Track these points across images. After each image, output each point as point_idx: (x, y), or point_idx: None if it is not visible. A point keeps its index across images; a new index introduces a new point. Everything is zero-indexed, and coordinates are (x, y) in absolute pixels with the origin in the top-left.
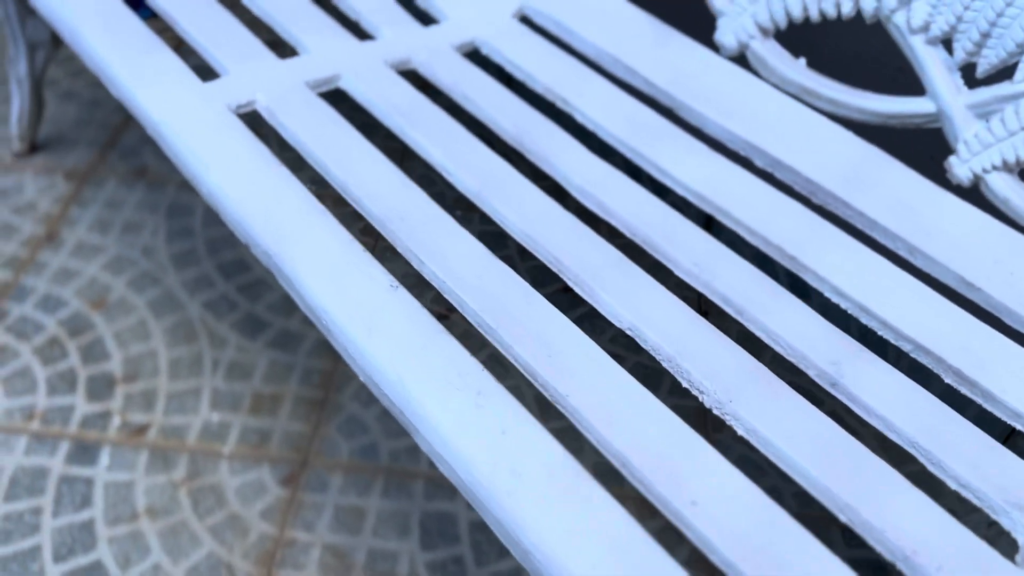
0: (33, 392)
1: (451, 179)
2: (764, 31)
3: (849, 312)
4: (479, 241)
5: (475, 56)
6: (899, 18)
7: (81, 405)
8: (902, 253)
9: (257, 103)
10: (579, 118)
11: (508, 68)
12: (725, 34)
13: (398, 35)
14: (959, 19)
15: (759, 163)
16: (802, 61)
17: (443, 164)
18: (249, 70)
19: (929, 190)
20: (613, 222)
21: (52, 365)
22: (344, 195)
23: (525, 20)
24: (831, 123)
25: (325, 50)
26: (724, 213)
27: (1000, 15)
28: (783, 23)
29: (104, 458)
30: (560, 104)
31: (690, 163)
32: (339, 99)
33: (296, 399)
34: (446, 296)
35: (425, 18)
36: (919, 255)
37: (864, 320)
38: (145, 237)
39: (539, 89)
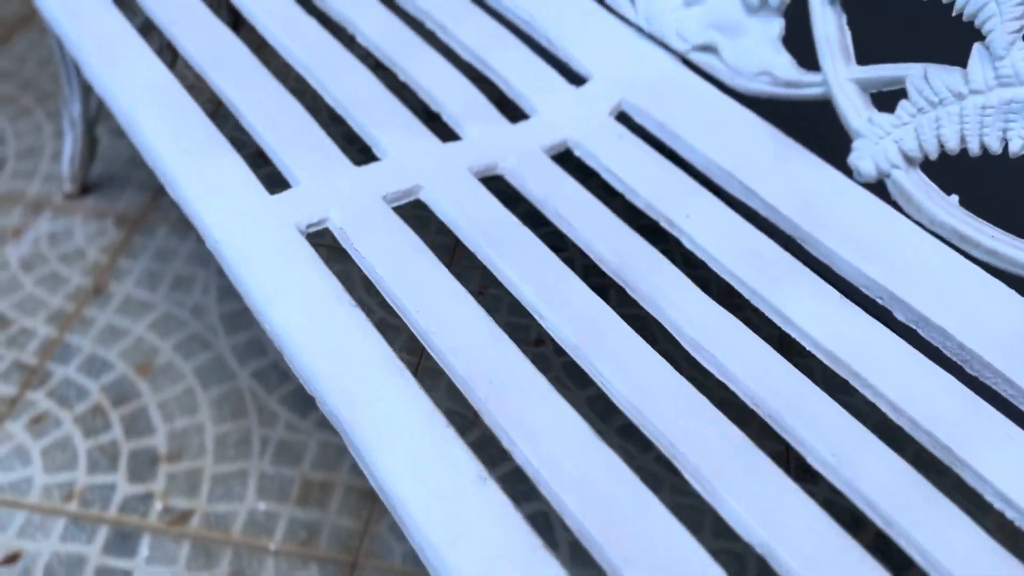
0: (73, 467)
1: (544, 324)
2: (910, 160)
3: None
4: (580, 415)
5: (568, 156)
6: None
7: (122, 485)
8: None
9: (330, 221)
10: (687, 243)
11: (604, 175)
12: (862, 158)
13: (484, 134)
14: None
15: (900, 317)
16: (954, 199)
17: (535, 305)
18: (322, 180)
19: None
20: (733, 387)
21: (94, 437)
22: (424, 344)
23: (624, 119)
24: (991, 278)
25: (404, 154)
26: (861, 380)
27: None
28: (934, 153)
29: (144, 548)
30: (664, 224)
31: (818, 312)
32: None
33: (347, 489)
34: (541, 490)
35: (514, 110)
36: None
37: None
38: (196, 294)
39: (640, 204)
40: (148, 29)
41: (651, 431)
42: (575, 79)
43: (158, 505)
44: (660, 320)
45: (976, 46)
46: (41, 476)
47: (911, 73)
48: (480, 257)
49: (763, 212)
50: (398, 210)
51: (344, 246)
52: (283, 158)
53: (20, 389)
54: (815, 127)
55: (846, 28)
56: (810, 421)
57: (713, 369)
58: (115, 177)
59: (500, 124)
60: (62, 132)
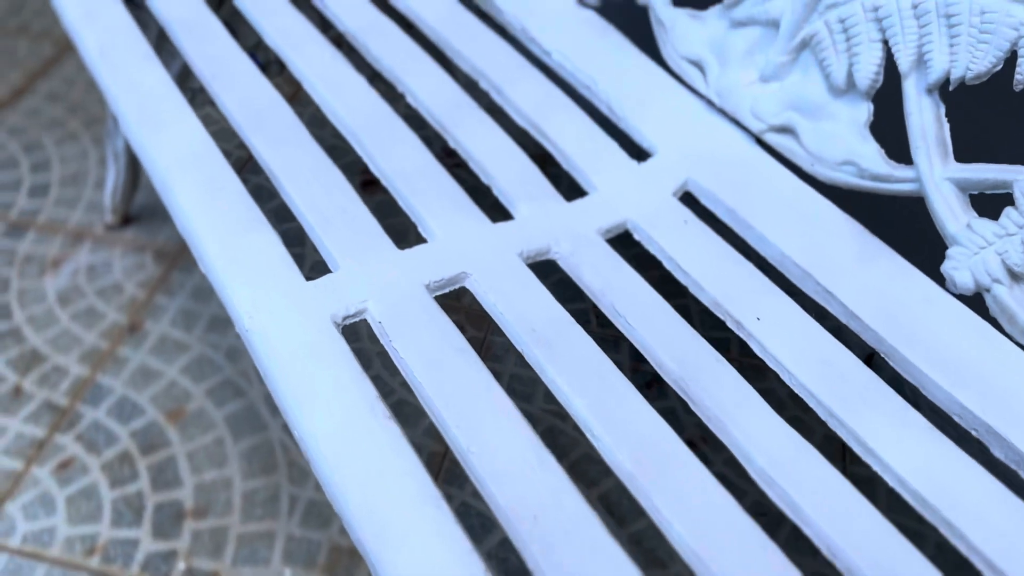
0: (97, 519)
1: (598, 446)
2: (1015, 276)
3: None
4: (633, 564)
5: (627, 239)
6: None
7: (146, 541)
8: None
9: (367, 313)
10: (756, 349)
11: (667, 265)
12: (959, 268)
13: (536, 213)
14: None
15: (999, 454)
16: None
17: (587, 423)
18: (362, 265)
19: None
20: (813, 538)
21: (120, 487)
22: (462, 465)
23: (689, 200)
24: None
25: (451, 237)
26: (955, 532)
27: None
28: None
29: None
30: (731, 325)
31: (904, 442)
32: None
33: None
34: None
35: (570, 185)
36: None
37: None
38: (231, 337)
39: (704, 300)
40: (185, 75)
41: None
42: (638, 153)
43: (181, 565)
44: (725, 441)
45: None
46: (64, 527)
47: (1020, 179)
48: (527, 358)
49: (843, 319)
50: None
51: (382, 342)
52: (323, 239)
53: (49, 431)
54: (904, 226)
55: (945, 120)
56: None
57: (786, 509)
58: (157, 209)
59: (554, 202)
60: (106, 161)
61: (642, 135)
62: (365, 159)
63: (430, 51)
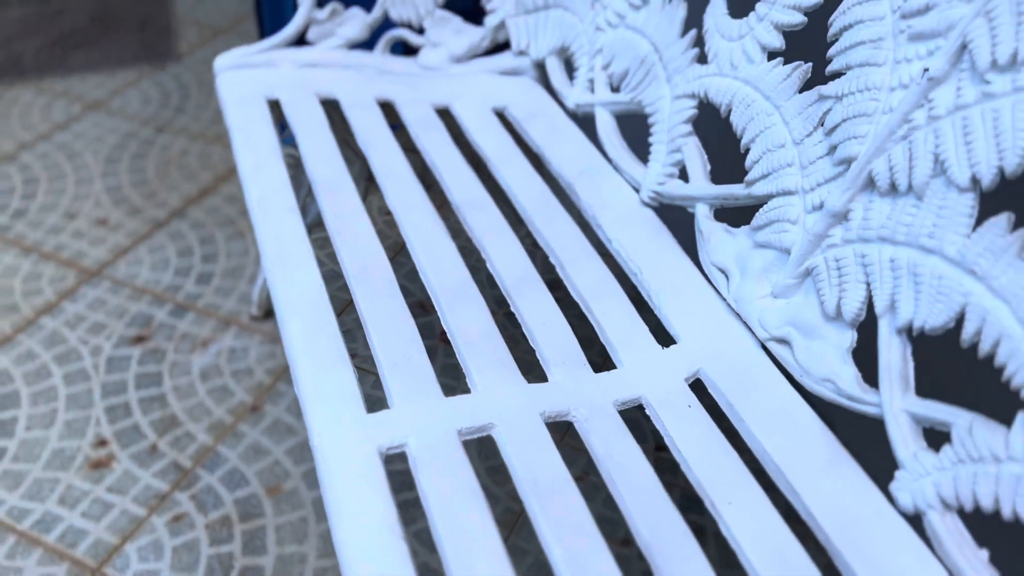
0: (194, 570)
1: None
2: (946, 505)
3: None
4: None
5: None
6: None
7: None
8: None
9: (408, 447)
10: (723, 530)
11: (667, 441)
12: (901, 490)
13: (566, 379)
14: None
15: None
16: (984, 555)
17: (560, 572)
18: (411, 405)
19: None
20: None
21: (217, 546)
22: None
23: (698, 386)
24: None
25: (488, 391)
26: None
27: None
28: (968, 506)
29: None
30: (708, 504)
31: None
32: None
33: None
34: None
35: (605, 358)
36: None
37: None
38: None
39: (691, 479)
40: (319, 222)
41: None
42: (665, 339)
43: None
44: None
45: (1020, 416)
46: (167, 572)
47: (958, 422)
48: (526, 506)
49: (804, 517)
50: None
51: (414, 476)
52: (386, 378)
53: (171, 488)
54: (875, 438)
55: (910, 358)
56: None
57: None
58: None
59: (584, 371)
60: (260, 261)
61: (670, 324)
62: (440, 316)
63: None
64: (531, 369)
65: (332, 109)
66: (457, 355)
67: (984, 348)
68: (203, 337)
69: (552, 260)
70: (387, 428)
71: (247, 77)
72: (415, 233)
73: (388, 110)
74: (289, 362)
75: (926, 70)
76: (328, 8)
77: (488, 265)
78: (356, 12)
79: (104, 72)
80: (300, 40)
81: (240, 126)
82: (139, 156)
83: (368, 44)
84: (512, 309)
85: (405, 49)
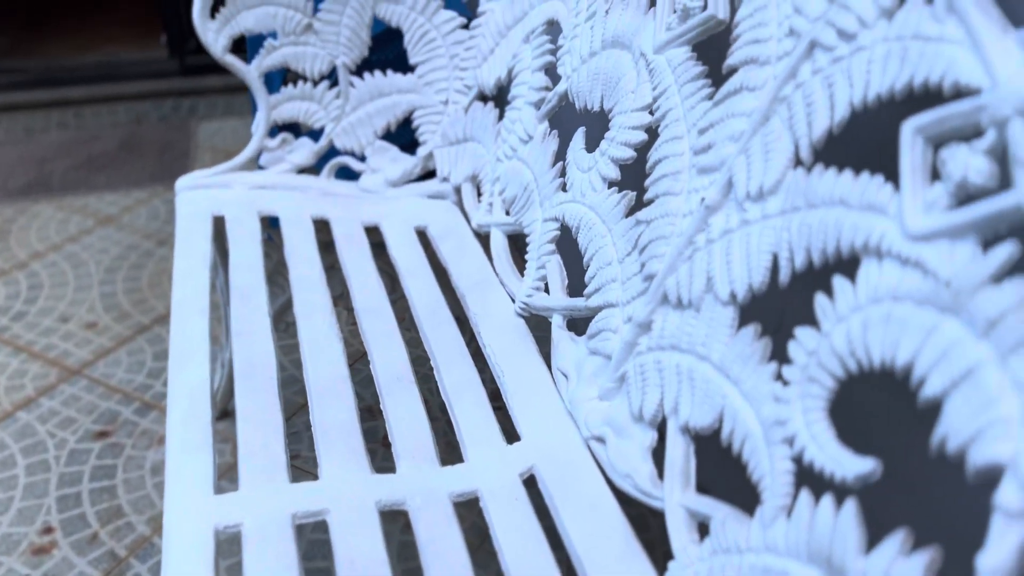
0: None
1: None
2: None
3: None
4: None
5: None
6: None
7: None
8: None
9: (243, 526)
10: None
11: (490, 531)
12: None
13: (411, 471)
14: None
15: None
16: None
17: None
18: (258, 489)
19: None
20: None
21: None
22: None
23: (531, 482)
24: None
25: (333, 479)
26: None
27: None
28: None
29: None
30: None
31: None
32: None
33: None
34: None
35: (457, 455)
36: None
37: None
38: None
39: (503, 567)
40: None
41: None
42: (515, 437)
43: None
44: None
45: (758, 510)
46: None
47: (716, 515)
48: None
49: None
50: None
51: (244, 551)
52: (241, 464)
53: None
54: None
55: (692, 456)
56: None
57: None
58: None
59: (430, 465)
60: (216, 364)
61: (518, 422)
62: (310, 410)
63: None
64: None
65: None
66: (315, 446)
67: (736, 447)
68: (161, 434)
69: (432, 362)
70: (228, 509)
71: (202, 196)
72: (308, 334)
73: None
74: (167, 452)
75: (703, 199)
76: (279, 137)
77: (371, 365)
78: (305, 141)
79: (121, 191)
80: (256, 164)
81: (183, 237)
82: (137, 266)
83: (316, 168)
84: (381, 407)
85: (348, 173)
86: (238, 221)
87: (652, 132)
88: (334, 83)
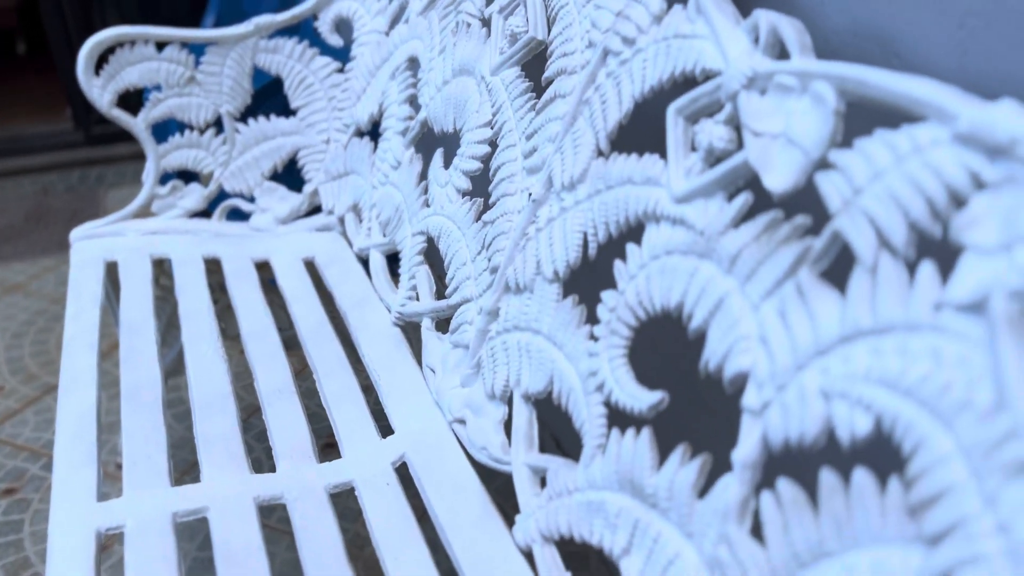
0: None
1: None
2: (545, 538)
3: None
4: None
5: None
6: (627, 567)
7: None
8: None
9: (125, 527)
10: None
11: (363, 514)
12: (517, 531)
13: (290, 469)
14: None
15: None
16: None
17: None
18: (141, 493)
19: None
20: None
21: None
22: None
23: (403, 469)
24: None
25: (213, 480)
26: None
27: None
28: (556, 536)
29: None
30: (380, 562)
31: None
32: None
33: None
34: None
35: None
36: None
37: None
38: None
39: (373, 542)
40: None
41: None
42: (388, 432)
43: None
44: None
45: (583, 453)
46: None
47: (551, 467)
48: (217, 570)
49: (451, 557)
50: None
51: (126, 549)
52: (125, 474)
53: None
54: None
55: (535, 421)
56: None
57: None
58: None
59: (308, 462)
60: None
61: (392, 418)
62: (193, 423)
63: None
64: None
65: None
66: (198, 453)
67: (563, 403)
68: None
69: (314, 375)
70: (111, 513)
71: (96, 244)
72: (194, 359)
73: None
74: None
75: (531, 195)
76: (169, 185)
77: (255, 382)
78: (195, 187)
79: (28, 260)
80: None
81: (75, 283)
82: (44, 330)
83: (207, 212)
84: (263, 415)
85: (240, 215)
86: (129, 264)
87: (494, 144)
88: (221, 130)
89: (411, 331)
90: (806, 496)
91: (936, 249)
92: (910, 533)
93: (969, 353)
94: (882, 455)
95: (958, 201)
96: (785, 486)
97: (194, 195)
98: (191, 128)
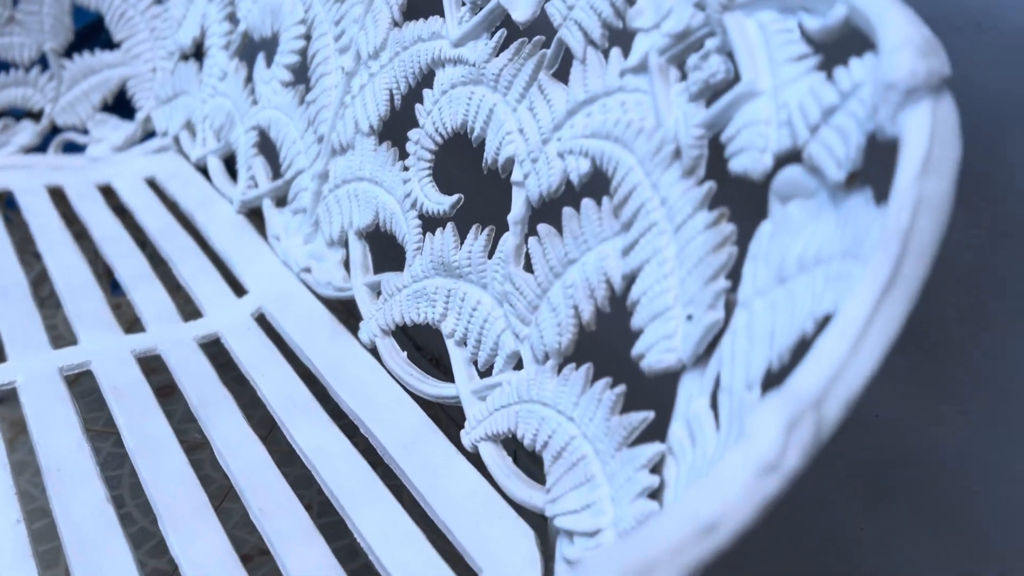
0: None
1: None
2: (384, 331)
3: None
4: None
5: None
6: (444, 327)
7: None
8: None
9: (17, 384)
10: (262, 395)
11: (232, 356)
12: (362, 331)
13: (159, 328)
14: (467, 329)
15: (363, 431)
16: (404, 354)
17: (133, 453)
18: (22, 358)
19: (453, 455)
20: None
21: None
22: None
23: (263, 320)
24: (412, 402)
25: (92, 341)
26: (324, 484)
27: (484, 324)
28: (391, 325)
29: None
30: (248, 379)
31: (310, 431)
32: None
33: None
34: None
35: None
36: (430, 508)
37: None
38: None
39: (241, 369)
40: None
41: None
42: (242, 293)
43: None
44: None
45: (409, 250)
46: None
47: (384, 279)
48: (111, 409)
49: (312, 370)
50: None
51: (22, 403)
52: (7, 339)
53: None
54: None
55: (368, 254)
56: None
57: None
58: None
59: (176, 322)
60: None
61: (244, 282)
62: (61, 299)
63: None
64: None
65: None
66: (69, 321)
67: (387, 228)
68: None
69: (170, 263)
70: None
71: None
72: (54, 261)
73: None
74: None
75: (344, 69)
76: (0, 123)
77: (115, 273)
78: (26, 124)
79: None
80: None
81: None
82: None
83: (42, 148)
84: (129, 298)
85: (75, 148)
86: None
87: (308, 37)
88: (47, 68)
89: (254, 218)
90: (555, 229)
91: (621, 37)
92: (616, 227)
93: (641, 99)
94: (599, 186)
95: (631, 1)
96: (542, 227)
97: (27, 131)
98: (16, 67)
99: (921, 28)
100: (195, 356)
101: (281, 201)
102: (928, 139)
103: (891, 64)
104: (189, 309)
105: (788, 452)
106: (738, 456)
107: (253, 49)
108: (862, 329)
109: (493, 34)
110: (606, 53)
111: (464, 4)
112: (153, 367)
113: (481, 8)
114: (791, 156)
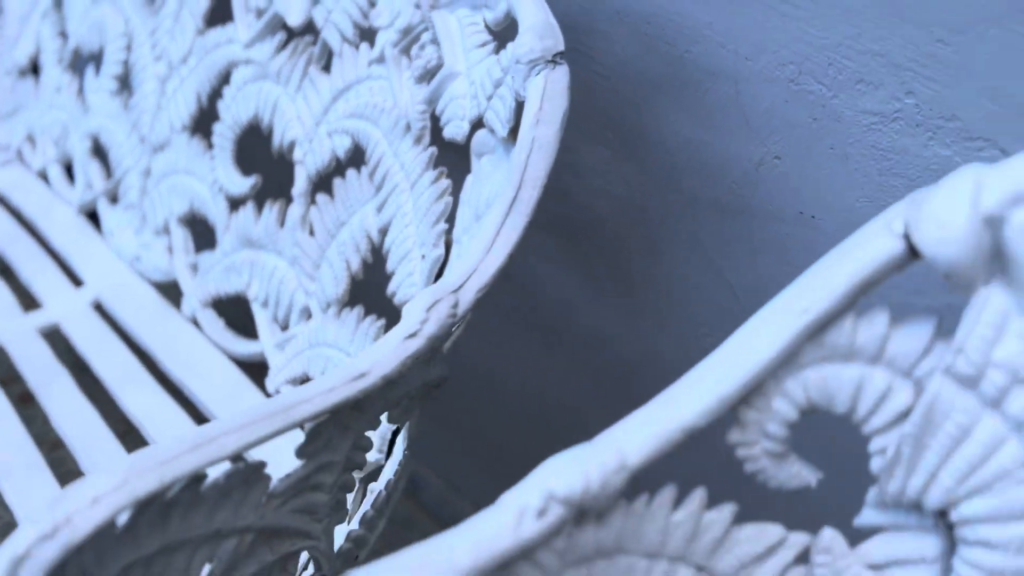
0: None
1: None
2: (204, 304)
3: None
4: None
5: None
6: (250, 293)
7: None
8: None
9: None
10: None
11: (72, 343)
12: (185, 307)
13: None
14: (267, 292)
15: (186, 394)
16: (222, 323)
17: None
18: None
19: None
20: None
21: None
22: None
23: (100, 308)
24: (231, 364)
25: None
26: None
27: (280, 285)
28: (210, 299)
29: None
30: (86, 360)
31: (137, 395)
32: None
33: None
34: None
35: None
36: None
37: None
38: None
39: (79, 354)
40: None
41: None
42: (79, 284)
43: None
44: None
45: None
46: None
47: (200, 260)
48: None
49: (144, 349)
50: None
51: None
52: None
53: None
54: None
55: (190, 238)
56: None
57: None
58: None
59: (14, 312)
60: None
61: (82, 275)
62: None
63: None
64: None
65: None
66: None
67: (200, 211)
68: None
69: (12, 268)
70: None
71: None
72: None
73: None
74: None
75: (158, 75)
76: None
77: None
78: None
79: None
80: None
81: None
82: None
83: None
84: None
85: None
86: None
87: (129, 48)
88: None
89: (94, 219)
90: (331, 198)
91: (368, 34)
92: (372, 191)
93: (383, 84)
94: (363, 159)
95: (373, 4)
96: (321, 197)
97: None
98: None
99: (546, 15)
100: (37, 345)
101: (115, 199)
102: (540, 98)
103: (520, 44)
104: (31, 304)
105: (427, 324)
106: (394, 330)
107: (83, 63)
108: (492, 238)
109: (274, 35)
110: (358, 47)
111: (250, 11)
112: None
113: (264, 14)
114: (481, 121)
